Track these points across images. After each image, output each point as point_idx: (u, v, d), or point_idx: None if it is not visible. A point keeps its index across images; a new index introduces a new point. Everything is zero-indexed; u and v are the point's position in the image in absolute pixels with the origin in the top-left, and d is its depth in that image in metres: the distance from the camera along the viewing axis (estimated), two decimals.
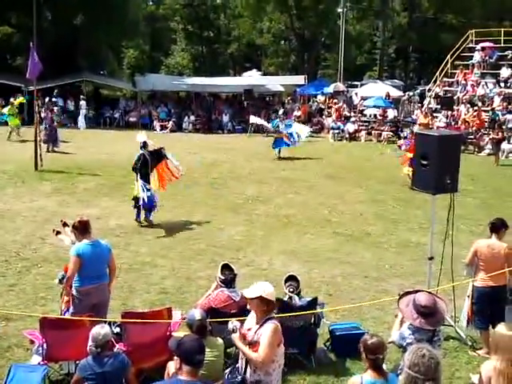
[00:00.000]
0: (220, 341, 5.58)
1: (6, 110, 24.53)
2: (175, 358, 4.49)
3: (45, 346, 6.03)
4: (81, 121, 29.54)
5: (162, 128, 30.41)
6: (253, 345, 5.10)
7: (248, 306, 5.40)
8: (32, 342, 6.47)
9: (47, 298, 8.21)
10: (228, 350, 6.26)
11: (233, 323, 5.34)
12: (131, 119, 32.16)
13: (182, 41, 54.50)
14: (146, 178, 12.30)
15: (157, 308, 6.98)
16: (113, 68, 45.92)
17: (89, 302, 6.56)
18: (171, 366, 5.32)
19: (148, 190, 12.22)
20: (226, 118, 31.85)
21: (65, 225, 7.82)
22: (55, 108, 24.85)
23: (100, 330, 5.25)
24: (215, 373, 5.24)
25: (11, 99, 25.47)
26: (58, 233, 7.83)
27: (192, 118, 31.65)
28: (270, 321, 5.13)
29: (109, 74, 43.88)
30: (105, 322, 6.18)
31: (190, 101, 35.12)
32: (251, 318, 5.33)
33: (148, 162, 12.33)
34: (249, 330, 5.23)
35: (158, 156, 12.65)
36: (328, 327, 7.33)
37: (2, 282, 8.94)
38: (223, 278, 6.78)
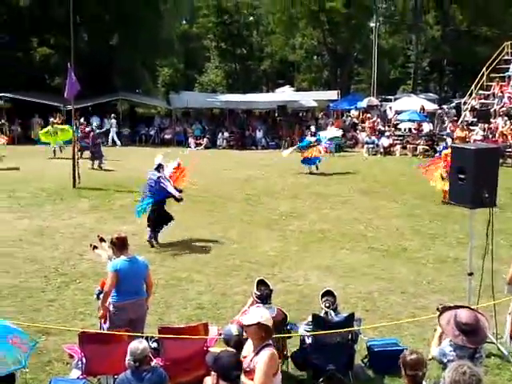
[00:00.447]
0: None
1: (44, 130, 25.07)
2: (212, 373, 4.50)
3: (84, 360, 6.11)
4: (111, 138, 30.17)
5: (197, 145, 30.71)
6: (248, 373, 5.02)
7: (245, 334, 5.36)
8: (71, 356, 6.56)
9: (86, 313, 8.32)
10: None
11: (229, 350, 5.28)
12: (166, 136, 32.59)
13: (215, 58, 55.09)
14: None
15: (193, 323, 7.02)
16: (148, 86, 46.63)
17: (126, 317, 6.64)
18: (208, 382, 5.32)
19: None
20: (259, 134, 32.00)
21: (102, 240, 7.95)
22: (94, 125, 25.39)
23: (138, 345, 5.29)
24: None
25: (51, 119, 26.05)
26: (95, 247, 7.96)
27: (226, 134, 31.89)
28: (267, 348, 5.06)
29: (144, 92, 44.59)
30: (142, 336, 6.24)
31: (224, 117, 35.44)
32: (248, 345, 5.30)
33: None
34: (244, 357, 5.17)
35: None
36: (366, 343, 7.24)
37: (41, 297, 9.11)
38: (259, 293, 6.77)
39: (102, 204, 15.80)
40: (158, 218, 12.23)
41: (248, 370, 5.03)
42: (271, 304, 6.76)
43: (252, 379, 4.91)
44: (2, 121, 31.46)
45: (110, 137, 30.34)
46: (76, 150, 18.25)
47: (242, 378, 5.03)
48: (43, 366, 6.85)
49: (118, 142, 30.31)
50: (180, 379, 6.08)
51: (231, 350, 5.09)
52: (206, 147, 30.41)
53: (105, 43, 34.59)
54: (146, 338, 6.25)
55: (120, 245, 6.88)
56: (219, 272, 10.53)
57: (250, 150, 30.52)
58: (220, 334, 6.02)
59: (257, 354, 5.06)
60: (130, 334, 6.12)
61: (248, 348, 5.25)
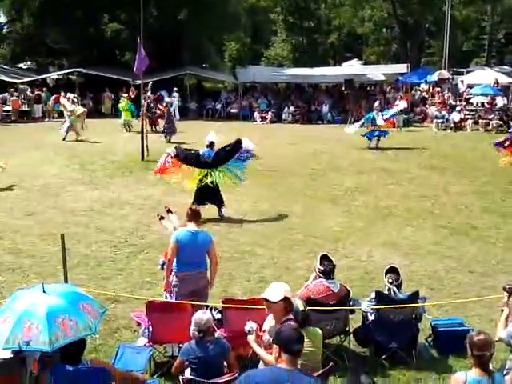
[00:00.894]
0: (319, 331, 5.57)
1: (121, 105, 25.56)
2: (274, 346, 4.53)
3: (150, 328, 6.30)
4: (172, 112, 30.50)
5: (262, 119, 30.71)
6: (269, 347, 5.00)
7: (266, 310, 5.35)
8: (138, 324, 6.78)
9: (152, 283, 8.56)
10: (326, 341, 6.24)
11: (249, 324, 5.29)
12: (232, 111, 32.73)
13: (282, 32, 54.62)
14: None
15: (256, 296, 7.09)
16: (215, 61, 46.81)
17: (186, 288, 6.76)
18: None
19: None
20: (325, 109, 31.63)
21: (169, 211, 8.10)
22: (167, 100, 25.84)
23: (202, 316, 5.40)
24: (314, 363, 5.24)
25: (124, 95, 26.53)
26: (162, 218, 8.12)
27: (292, 108, 31.69)
28: (289, 322, 5.00)
29: (211, 66, 44.81)
30: (206, 307, 6.37)
31: (290, 92, 35.19)
32: (269, 320, 5.28)
33: (200, 161, 12.42)
34: (264, 331, 5.16)
35: (231, 151, 12.66)
36: (430, 322, 7.13)
37: (111, 266, 9.43)
38: (322, 268, 6.76)
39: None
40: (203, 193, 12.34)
41: (268, 344, 5.04)
42: (334, 279, 6.74)
43: (272, 353, 4.86)
44: (75, 95, 32.39)
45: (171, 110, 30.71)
46: (144, 123, 18.58)
47: (261, 351, 5.06)
48: (112, 333, 7.11)
49: (177, 116, 30.64)
50: (242, 351, 6.17)
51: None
52: (272, 121, 30.35)
53: (173, 18, 34.86)
54: (210, 309, 6.38)
55: (191, 215, 7.02)
56: (282, 246, 10.57)
57: (316, 124, 30.24)
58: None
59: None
60: (194, 303, 6.26)
61: (269, 323, 5.26)
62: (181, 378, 5.50)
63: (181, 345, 6.19)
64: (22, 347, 4.99)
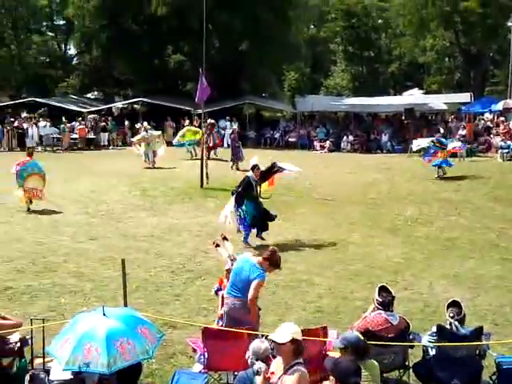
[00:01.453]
0: (376, 364, 5.44)
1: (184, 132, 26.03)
2: (331, 378, 4.46)
3: (206, 355, 6.30)
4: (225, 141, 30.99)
5: (321, 148, 30.69)
6: None
7: (275, 352, 5.16)
8: (194, 350, 6.80)
9: (209, 309, 8.58)
10: (385, 375, 6.08)
11: (258, 365, 5.13)
12: (290, 139, 32.90)
13: (341, 62, 54.73)
14: (242, 200, 12.39)
15: (312, 326, 7.00)
16: (274, 90, 47.30)
17: None
18: None
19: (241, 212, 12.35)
20: (385, 138, 31.36)
21: (225, 239, 8.17)
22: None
23: (260, 345, 5.35)
24: None
25: (186, 123, 27.09)
26: (218, 246, 8.19)
27: (350, 137, 31.59)
28: (298, 366, 4.81)
29: (270, 96, 45.28)
30: (262, 336, 6.33)
31: (349, 121, 35.10)
32: (277, 361, 5.11)
33: (252, 186, 12.49)
34: (272, 373, 4.98)
35: (268, 172, 12.87)
36: (494, 359, 6.82)
37: (169, 291, 9.53)
38: (381, 300, 6.60)
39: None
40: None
41: None
42: (393, 312, 6.57)
43: None
44: (139, 124, 33.34)
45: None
46: (204, 151, 18.89)
47: None
48: (168, 358, 7.15)
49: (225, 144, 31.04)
50: None
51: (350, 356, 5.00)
52: (330, 150, 30.29)
53: (234, 49, 35.58)
54: (266, 338, 6.33)
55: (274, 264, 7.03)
56: (340, 276, 10.43)
57: (375, 153, 29.97)
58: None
59: (286, 371, 4.87)
60: (250, 333, 6.24)
61: (277, 364, 5.10)
62: None
63: (236, 372, 6.17)
64: (81, 369, 5.09)
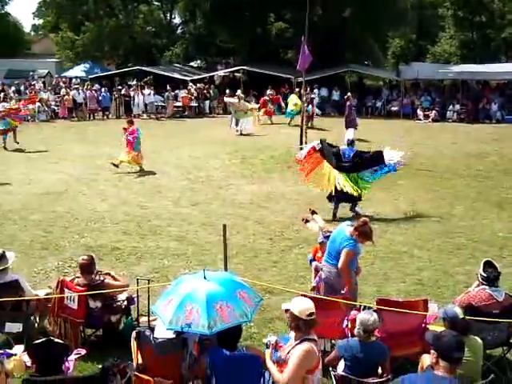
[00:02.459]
0: (479, 341, 5.27)
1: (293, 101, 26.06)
2: (432, 351, 4.35)
3: None
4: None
5: (425, 117, 29.64)
6: (281, 364, 4.77)
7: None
8: None
9: (306, 277, 8.62)
10: (488, 352, 5.88)
11: (269, 337, 5.09)
12: (393, 108, 31.96)
13: (450, 27, 52.14)
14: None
15: (412, 298, 6.88)
16: (377, 57, 46.02)
17: None
18: (426, 359, 5.19)
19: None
20: (494, 107, 29.73)
21: (313, 213, 8.15)
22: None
23: (369, 317, 5.32)
24: (473, 374, 4.97)
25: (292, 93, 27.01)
26: (307, 221, 8.19)
27: (457, 106, 30.22)
28: (306, 342, 4.69)
29: (373, 63, 44.12)
30: (360, 306, 6.31)
31: (456, 89, 33.55)
32: (292, 335, 5.01)
33: (340, 158, 12.14)
34: (280, 347, 4.96)
35: (367, 160, 12.25)
36: None
37: (267, 258, 9.67)
38: (485, 275, 6.35)
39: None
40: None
41: (281, 361, 4.84)
42: (499, 287, 6.31)
43: (283, 371, 4.74)
44: (239, 92, 33.65)
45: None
46: (304, 119, 18.79)
47: (273, 368, 4.87)
48: (266, 323, 7.29)
49: (317, 111, 30.50)
50: (396, 353, 6.00)
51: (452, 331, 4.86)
52: (435, 120, 29.16)
53: (338, 16, 34.82)
54: (363, 308, 6.29)
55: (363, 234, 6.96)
56: (441, 249, 10.12)
57: (483, 123, 28.52)
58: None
59: (295, 345, 4.81)
60: (347, 302, 6.22)
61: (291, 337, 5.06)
62: (332, 373, 5.50)
63: (333, 341, 6.20)
64: (183, 329, 5.29)
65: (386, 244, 10.29)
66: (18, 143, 19.87)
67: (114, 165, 15.95)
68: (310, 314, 4.72)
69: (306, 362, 4.75)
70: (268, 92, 29.56)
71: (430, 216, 12.09)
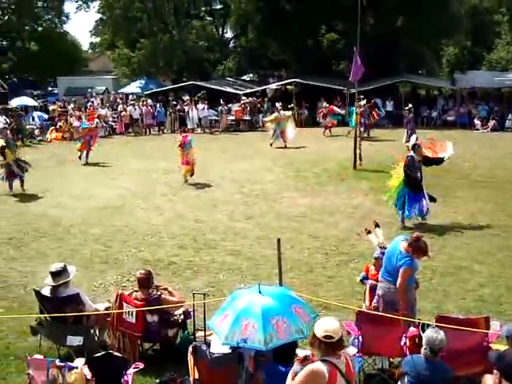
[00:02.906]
0: None
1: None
2: (494, 371, 4.22)
3: (360, 338, 6.27)
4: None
5: (483, 127, 28.93)
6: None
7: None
8: (348, 332, 6.78)
9: (362, 293, 8.49)
10: None
11: (304, 352, 4.90)
12: (449, 118, 31.36)
13: (506, 34, 50.82)
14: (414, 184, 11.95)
15: (473, 316, 6.68)
16: (431, 67, 45.28)
17: None
18: (488, 380, 5.03)
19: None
20: None
21: (376, 226, 8.03)
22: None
23: (436, 335, 5.18)
24: None
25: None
26: (369, 232, 8.08)
27: None
28: (320, 362, 4.47)
29: (427, 73, 43.44)
30: (419, 323, 6.17)
31: None
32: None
33: (415, 166, 11.97)
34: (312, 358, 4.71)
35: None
36: None
37: (322, 272, 9.60)
38: None
39: (382, 186, 15.86)
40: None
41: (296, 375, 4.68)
42: None
43: None
44: (292, 105, 33.70)
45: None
46: (358, 132, 18.63)
47: (288, 378, 4.70)
48: None
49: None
50: (456, 373, 5.84)
51: None
52: (493, 129, 28.41)
53: (390, 26, 34.47)
54: (422, 325, 6.15)
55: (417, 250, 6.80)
56: (503, 263, 9.82)
57: None
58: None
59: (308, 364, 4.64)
60: (406, 319, 6.10)
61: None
62: None
63: (391, 359, 6.09)
64: (239, 344, 5.30)
65: (444, 259, 10.05)
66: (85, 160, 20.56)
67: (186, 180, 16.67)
68: (327, 337, 4.49)
69: (308, 382, 4.53)
70: (323, 105, 29.47)
71: (490, 229, 11.76)
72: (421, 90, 40.61)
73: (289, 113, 25.07)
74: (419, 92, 40.00)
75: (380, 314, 6.45)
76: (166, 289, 7.22)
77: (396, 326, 6.12)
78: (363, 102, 24.50)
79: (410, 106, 24.32)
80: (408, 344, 6.05)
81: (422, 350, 5.20)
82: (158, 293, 6.92)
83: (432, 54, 43.63)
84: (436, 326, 6.10)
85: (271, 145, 23.52)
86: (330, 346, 4.49)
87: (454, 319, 6.26)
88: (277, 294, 5.86)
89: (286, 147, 23.18)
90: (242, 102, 31.88)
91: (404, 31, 34.30)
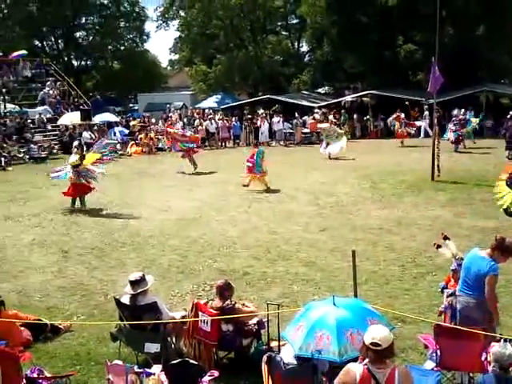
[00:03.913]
0: None
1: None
2: None
3: (438, 352, 6.10)
4: (422, 131, 29.82)
5: None
6: None
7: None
8: (426, 346, 6.62)
9: (440, 306, 8.25)
10: None
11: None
12: None
13: None
14: None
15: None
16: None
17: None
18: None
19: None
20: None
21: (445, 238, 7.80)
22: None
23: (504, 351, 5.01)
24: None
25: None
26: (439, 247, 7.86)
27: None
28: (356, 363, 4.61)
29: (510, 82, 41.86)
30: (499, 338, 5.93)
31: None
32: None
33: None
34: None
35: None
36: None
37: (398, 285, 9.40)
38: None
39: (461, 198, 15.46)
40: None
41: None
42: None
43: None
44: (368, 116, 33.38)
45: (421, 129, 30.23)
46: (436, 143, 18.19)
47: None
48: (399, 353, 6.99)
49: (422, 134, 29.84)
50: None
51: None
52: None
53: (470, 35, 33.59)
54: (505, 341, 5.91)
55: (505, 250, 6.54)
56: None
57: None
58: None
59: None
60: (487, 334, 5.88)
61: None
62: None
63: (471, 374, 5.88)
64: (313, 355, 5.29)
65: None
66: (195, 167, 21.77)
67: (244, 185, 17.45)
68: (374, 344, 4.45)
69: (340, 377, 4.62)
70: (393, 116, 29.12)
71: None
72: (504, 99, 39.16)
73: (341, 131, 25.55)
74: (502, 101, 38.57)
75: (459, 327, 6.25)
76: (243, 304, 7.27)
77: (476, 340, 5.89)
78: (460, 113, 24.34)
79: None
80: (489, 359, 5.82)
81: (491, 367, 5.01)
82: (233, 302, 6.99)
83: None
84: None
85: (329, 157, 24.08)
86: (376, 354, 4.45)
87: None
88: (351, 305, 5.81)
89: (329, 158, 23.88)
90: (311, 115, 31.84)
91: (484, 40, 33.33)
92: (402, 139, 27.10)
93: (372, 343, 4.44)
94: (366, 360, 4.54)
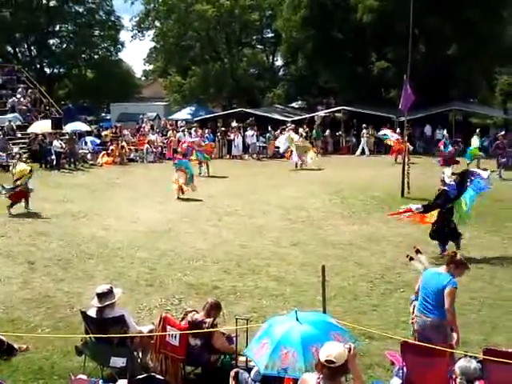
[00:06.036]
0: None
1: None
2: None
3: (404, 369, 6.13)
4: (360, 148, 31.28)
5: None
6: None
7: None
8: (393, 363, 6.65)
9: (407, 323, 8.29)
10: None
11: None
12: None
13: None
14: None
15: None
16: (483, 95, 44.55)
17: None
18: None
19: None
20: None
21: (418, 252, 7.92)
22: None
23: (469, 364, 5.08)
24: None
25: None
26: (412, 259, 7.97)
27: None
28: (312, 374, 4.69)
29: (479, 101, 42.75)
30: (465, 355, 5.99)
31: None
32: None
33: (449, 198, 11.75)
34: None
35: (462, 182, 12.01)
36: None
37: (366, 301, 9.45)
38: None
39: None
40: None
41: None
42: None
43: None
44: (340, 132, 33.70)
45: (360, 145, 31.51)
46: (406, 160, 18.41)
47: None
48: (365, 369, 7.04)
49: (367, 152, 31.15)
50: None
51: None
52: None
53: (442, 54, 34.21)
54: (470, 357, 5.97)
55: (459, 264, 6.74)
56: None
57: None
58: None
59: None
60: (453, 351, 5.94)
61: None
62: None
63: None
64: (280, 374, 5.26)
65: (494, 291, 9.76)
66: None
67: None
68: (328, 361, 4.46)
69: None
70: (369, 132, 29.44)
71: None
72: (473, 118, 39.96)
73: (308, 144, 26.79)
74: (471, 120, 39.35)
75: (425, 345, 6.29)
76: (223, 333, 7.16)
77: (442, 357, 5.94)
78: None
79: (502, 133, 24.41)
80: (454, 377, 5.86)
81: (458, 381, 5.06)
82: (214, 323, 6.88)
83: (485, 83, 42.98)
84: (483, 359, 5.95)
85: (296, 166, 25.40)
86: (330, 371, 4.47)
87: (504, 352, 6.05)
88: (315, 320, 5.78)
89: (300, 167, 25.32)
90: (280, 129, 31.96)
91: (456, 59, 33.96)
92: (397, 155, 26.57)
93: (327, 360, 4.45)
94: (320, 376, 4.56)
